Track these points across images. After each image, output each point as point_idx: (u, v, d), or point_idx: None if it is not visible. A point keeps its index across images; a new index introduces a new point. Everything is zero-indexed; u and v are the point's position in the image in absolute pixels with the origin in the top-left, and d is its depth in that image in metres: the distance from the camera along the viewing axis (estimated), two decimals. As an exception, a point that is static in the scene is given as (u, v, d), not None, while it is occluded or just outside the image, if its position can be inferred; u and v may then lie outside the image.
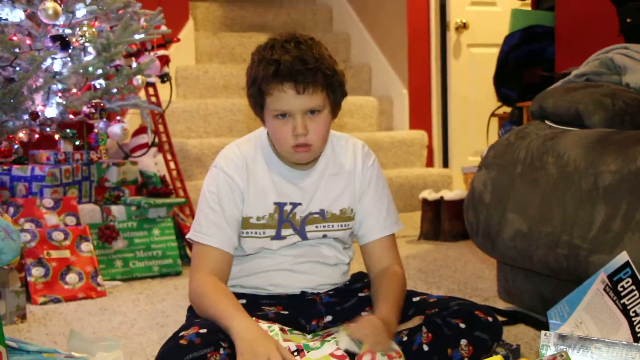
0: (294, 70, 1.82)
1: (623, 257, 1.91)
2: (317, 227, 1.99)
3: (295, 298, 1.97)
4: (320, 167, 2.03)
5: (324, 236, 2.01)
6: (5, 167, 3.34)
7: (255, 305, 1.91)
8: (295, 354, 1.72)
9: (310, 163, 2.00)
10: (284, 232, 1.97)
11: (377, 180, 2.08)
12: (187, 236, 2.02)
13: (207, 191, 1.99)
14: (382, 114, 5.89)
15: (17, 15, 2.99)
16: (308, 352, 1.74)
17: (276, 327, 1.78)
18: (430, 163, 5.73)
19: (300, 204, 1.98)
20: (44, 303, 2.92)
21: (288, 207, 1.98)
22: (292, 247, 2.00)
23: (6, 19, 2.98)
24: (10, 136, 3.29)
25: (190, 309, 2.05)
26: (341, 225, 2.02)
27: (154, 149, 4.10)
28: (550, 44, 4.15)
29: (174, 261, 3.46)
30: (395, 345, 1.77)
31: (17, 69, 2.97)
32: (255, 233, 1.97)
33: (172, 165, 4.08)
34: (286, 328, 1.82)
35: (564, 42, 4.00)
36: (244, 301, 1.96)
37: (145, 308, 2.83)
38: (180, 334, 1.79)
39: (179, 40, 4.45)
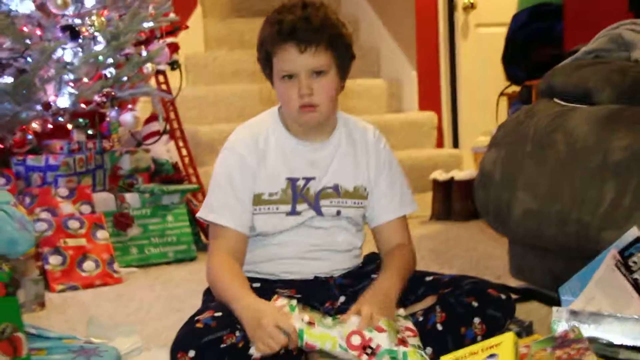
0: (296, 28, 1.84)
1: (634, 232, 1.92)
2: (331, 202, 1.99)
3: (308, 282, 1.98)
4: (334, 142, 2.03)
5: (338, 212, 2.01)
6: (19, 158, 3.36)
7: (269, 288, 1.92)
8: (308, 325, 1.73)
9: (323, 134, 2.02)
10: (299, 207, 1.97)
11: (391, 163, 2.09)
12: (197, 215, 2.04)
13: (217, 172, 2.00)
14: (391, 96, 5.88)
15: (27, 6, 2.99)
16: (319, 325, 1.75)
17: (295, 302, 1.79)
18: (440, 144, 5.72)
19: (313, 178, 1.98)
20: (62, 291, 2.95)
21: (301, 182, 1.98)
22: (306, 234, 2.00)
23: (16, 10, 2.97)
24: (24, 127, 3.31)
25: (206, 293, 2.07)
26: (354, 203, 2.03)
27: (165, 136, 4.12)
28: (558, 22, 4.13)
29: (188, 247, 3.48)
30: (410, 323, 1.78)
31: (29, 60, 2.97)
32: (269, 209, 1.97)
33: (184, 152, 4.10)
34: (307, 306, 1.83)
35: (573, 19, 3.98)
36: (257, 285, 1.97)
37: (161, 293, 2.85)
38: (196, 318, 1.81)
39: (187, 27, 4.45)
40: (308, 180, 1.98)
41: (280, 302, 1.78)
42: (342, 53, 1.92)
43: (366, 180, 2.05)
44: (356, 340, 1.65)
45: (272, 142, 2.00)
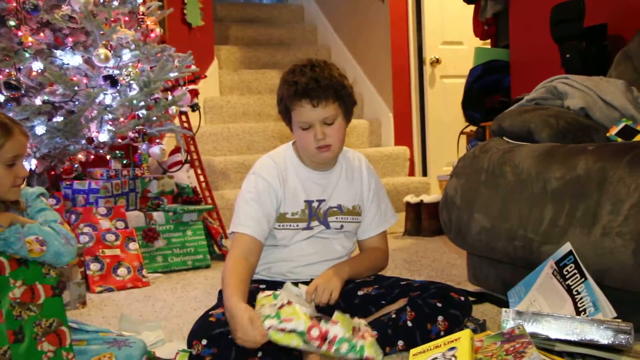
0: (309, 88, 1.88)
1: (567, 247, 1.93)
2: (336, 218, 2.06)
3: (306, 283, 1.99)
4: (337, 170, 2.09)
5: (341, 226, 2.07)
6: (67, 182, 3.36)
7: (273, 288, 1.93)
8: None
9: (329, 165, 2.06)
10: (312, 223, 2.03)
11: (378, 187, 2.17)
12: (228, 232, 2.04)
13: (245, 192, 2.00)
14: (372, 133, 5.90)
15: (76, 60, 3.00)
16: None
17: (278, 292, 1.75)
18: (412, 173, 5.73)
19: (324, 200, 2.04)
20: (100, 292, 2.94)
21: (315, 204, 2.03)
22: (312, 242, 2.04)
23: (68, 64, 2.99)
24: (72, 157, 3.31)
25: (220, 293, 2.07)
26: (353, 219, 2.10)
27: (186, 165, 4.12)
28: (506, 75, 4.17)
29: (204, 256, 3.47)
30: (369, 328, 1.74)
31: (77, 103, 2.98)
32: (290, 225, 2.02)
33: (201, 178, 4.11)
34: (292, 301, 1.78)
35: (518, 73, 4.02)
36: (264, 286, 1.98)
37: (182, 295, 2.84)
38: (210, 313, 1.81)
39: (206, 76, 4.48)
40: (320, 202, 2.04)
41: (267, 292, 1.76)
42: (346, 101, 1.97)
43: (360, 201, 2.11)
44: (315, 332, 1.64)
45: (291, 170, 2.04)
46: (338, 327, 1.66)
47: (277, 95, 1.99)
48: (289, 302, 1.69)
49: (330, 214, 2.05)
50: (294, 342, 1.63)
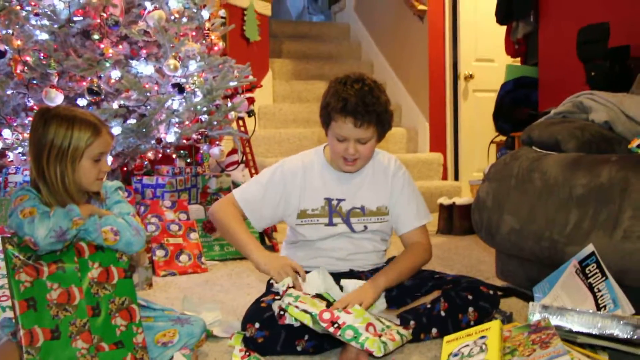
0: (356, 110, 1.83)
1: (590, 248, 1.90)
2: (359, 220, 2.01)
3: (346, 274, 1.99)
4: (363, 173, 2.04)
5: (365, 227, 2.02)
6: (138, 178, 3.41)
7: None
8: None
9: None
10: (335, 220, 1.99)
11: (408, 185, 2.09)
12: (232, 191, 2.05)
13: (262, 174, 2.02)
14: (409, 140, 5.88)
15: (149, 69, 3.05)
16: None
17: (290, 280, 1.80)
18: (445, 177, 5.69)
19: (344, 199, 2.00)
20: (165, 276, 2.97)
21: (335, 202, 1.99)
22: (343, 242, 2.01)
23: (141, 73, 3.04)
24: (142, 155, 3.36)
25: (269, 282, 2.08)
26: (378, 219, 2.04)
27: (242, 165, 4.14)
28: (535, 90, 4.12)
29: (257, 247, 3.48)
30: (393, 329, 1.73)
31: (148, 107, 3.02)
32: (311, 221, 1.99)
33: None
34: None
35: (545, 89, 3.97)
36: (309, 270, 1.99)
37: (236, 281, 2.85)
38: (262, 299, 1.83)
39: (261, 86, 4.50)
40: (340, 200, 2.00)
41: (287, 279, 1.78)
42: (384, 127, 1.93)
43: (387, 201, 2.05)
44: (326, 315, 1.64)
45: (317, 169, 2.02)
46: (350, 317, 1.66)
47: (323, 100, 1.94)
48: (314, 296, 1.73)
49: (352, 215, 2.01)
50: (306, 320, 1.65)
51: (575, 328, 1.61)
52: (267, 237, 3.68)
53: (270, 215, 2.00)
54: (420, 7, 5.56)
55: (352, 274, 2.00)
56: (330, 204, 1.99)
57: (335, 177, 2.02)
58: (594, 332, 1.59)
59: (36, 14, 2.81)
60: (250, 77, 3.61)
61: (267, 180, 1.99)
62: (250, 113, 4.00)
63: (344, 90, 1.86)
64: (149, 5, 3.08)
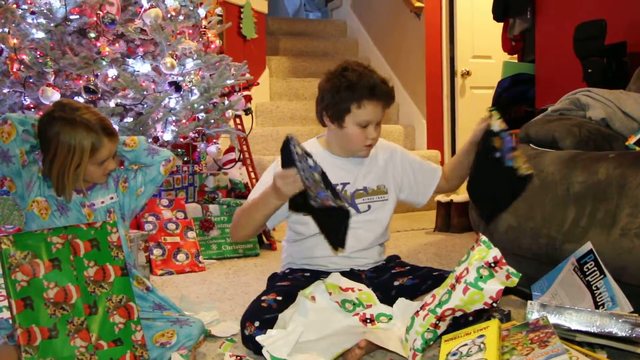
0: (384, 91, 1.86)
1: (588, 245, 1.90)
2: (363, 200, 2.04)
3: (346, 273, 1.99)
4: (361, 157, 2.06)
5: (369, 207, 2.04)
6: (134, 176, 3.40)
7: (316, 277, 1.93)
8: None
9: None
10: None
11: (407, 158, 2.14)
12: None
13: (265, 174, 2.04)
14: (406, 137, 5.87)
15: (145, 67, 3.05)
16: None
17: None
18: (442, 174, 5.68)
19: (348, 183, 2.02)
20: (162, 274, 2.98)
21: (340, 187, 2.01)
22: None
23: (138, 71, 3.04)
24: (139, 154, 3.35)
25: (270, 278, 2.07)
26: (379, 197, 2.07)
27: (239, 163, 4.15)
28: (532, 87, 4.12)
29: (254, 245, 3.48)
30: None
31: (145, 105, 3.02)
32: None
33: (252, 175, 4.12)
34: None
35: (542, 86, 3.97)
36: (308, 274, 1.98)
37: (233, 280, 2.85)
38: (262, 298, 1.82)
39: (258, 84, 4.50)
40: (344, 184, 2.02)
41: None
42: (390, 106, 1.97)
43: (388, 180, 2.08)
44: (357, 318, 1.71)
45: (317, 159, 2.02)
46: (374, 308, 1.70)
47: (329, 93, 1.93)
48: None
49: (357, 196, 2.03)
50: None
51: (574, 326, 1.62)
52: (264, 236, 3.68)
53: (280, 211, 2.01)
54: (417, 4, 5.55)
55: (352, 274, 2.00)
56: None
57: (337, 164, 2.04)
58: (592, 330, 1.59)
59: (32, 13, 2.80)
60: (247, 75, 3.60)
61: (268, 180, 1.99)
62: (248, 111, 3.99)
63: (361, 76, 1.87)
64: (145, 3, 3.07)
